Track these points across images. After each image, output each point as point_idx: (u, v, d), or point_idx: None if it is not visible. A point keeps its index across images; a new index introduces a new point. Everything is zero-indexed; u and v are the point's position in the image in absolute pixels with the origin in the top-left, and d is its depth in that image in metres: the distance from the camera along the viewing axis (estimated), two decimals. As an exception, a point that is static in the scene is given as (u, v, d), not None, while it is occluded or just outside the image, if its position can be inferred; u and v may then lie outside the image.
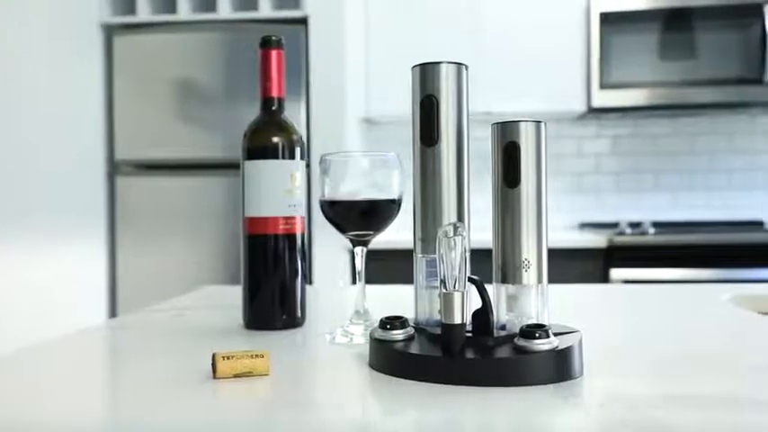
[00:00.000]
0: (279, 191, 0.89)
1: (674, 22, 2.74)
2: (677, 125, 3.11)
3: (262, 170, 0.90)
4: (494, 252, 0.71)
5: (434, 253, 0.72)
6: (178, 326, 0.93)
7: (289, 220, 0.90)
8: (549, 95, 2.81)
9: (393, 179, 0.82)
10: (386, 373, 0.66)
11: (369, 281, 0.86)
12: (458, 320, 0.63)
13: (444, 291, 0.64)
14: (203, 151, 2.63)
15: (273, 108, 0.93)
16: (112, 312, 2.68)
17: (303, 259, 0.92)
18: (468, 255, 0.65)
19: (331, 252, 2.52)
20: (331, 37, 2.59)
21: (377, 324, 0.79)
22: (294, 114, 2.50)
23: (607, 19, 2.75)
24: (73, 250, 2.55)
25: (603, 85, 2.76)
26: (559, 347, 0.62)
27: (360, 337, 0.81)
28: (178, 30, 2.67)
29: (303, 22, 2.60)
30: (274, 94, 0.92)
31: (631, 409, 0.55)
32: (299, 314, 0.92)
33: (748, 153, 3.09)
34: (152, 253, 2.65)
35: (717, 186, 3.11)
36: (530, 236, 0.68)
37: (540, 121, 0.69)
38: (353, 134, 2.76)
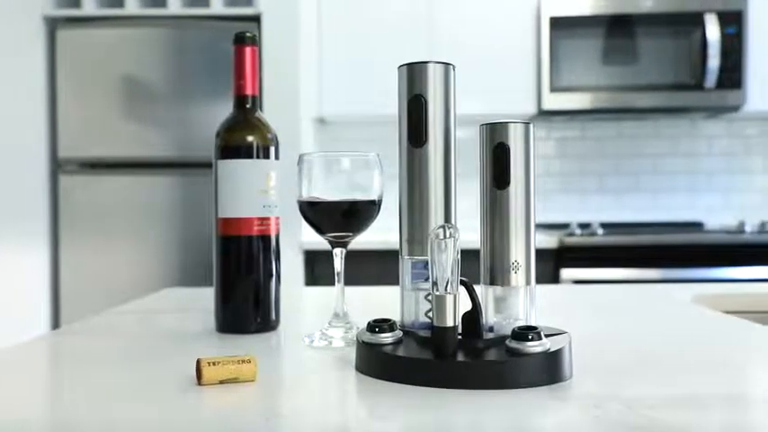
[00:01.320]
0: (253, 191, 0.87)
1: (618, 29, 2.81)
2: (622, 129, 3.19)
3: (236, 170, 0.87)
4: (482, 254, 0.70)
5: (421, 255, 0.72)
6: (147, 330, 0.90)
7: (263, 221, 0.88)
8: (501, 98, 2.84)
9: (374, 180, 0.81)
10: (374, 377, 0.65)
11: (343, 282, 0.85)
12: (450, 323, 0.63)
13: (436, 293, 0.63)
14: (151, 150, 2.56)
15: (247, 106, 0.90)
16: (55, 316, 2.58)
17: (278, 261, 0.90)
18: (459, 257, 0.64)
19: (285, 253, 2.49)
20: (284, 35, 2.55)
21: (356, 327, 0.78)
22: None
23: (557, 23, 2.80)
24: (13, 252, 2.45)
25: (553, 89, 2.81)
26: (551, 349, 0.63)
27: (339, 341, 0.80)
28: (125, 24, 2.60)
29: (256, 19, 2.57)
30: (248, 92, 0.90)
31: (627, 410, 0.55)
32: (273, 317, 0.90)
33: (690, 156, 3.20)
34: (97, 255, 2.57)
35: (660, 188, 3.20)
36: (518, 237, 0.68)
37: (528, 123, 0.69)
38: (307, 134, 2.73)
